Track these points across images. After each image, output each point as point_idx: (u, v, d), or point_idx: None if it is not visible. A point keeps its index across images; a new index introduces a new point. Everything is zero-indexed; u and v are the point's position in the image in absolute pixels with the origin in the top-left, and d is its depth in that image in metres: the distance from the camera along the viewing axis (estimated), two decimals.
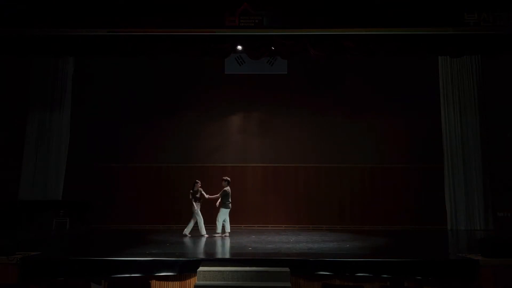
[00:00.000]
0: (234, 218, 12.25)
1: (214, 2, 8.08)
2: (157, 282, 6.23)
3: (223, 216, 9.68)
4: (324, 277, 6.24)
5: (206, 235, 9.55)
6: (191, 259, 6.50)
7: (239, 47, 8.98)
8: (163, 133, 12.87)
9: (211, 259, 6.50)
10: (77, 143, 12.69)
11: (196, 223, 9.71)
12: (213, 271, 6.16)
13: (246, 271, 6.15)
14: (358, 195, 12.50)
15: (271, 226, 12.25)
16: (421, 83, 12.72)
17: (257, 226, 12.25)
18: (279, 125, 12.90)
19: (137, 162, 12.69)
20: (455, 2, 7.97)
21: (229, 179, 10.00)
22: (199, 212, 9.70)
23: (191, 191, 9.78)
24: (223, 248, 7.99)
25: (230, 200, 9.75)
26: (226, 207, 9.68)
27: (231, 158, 12.77)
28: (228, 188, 9.80)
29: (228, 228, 9.79)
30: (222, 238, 9.44)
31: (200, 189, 9.82)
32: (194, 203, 9.67)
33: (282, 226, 12.25)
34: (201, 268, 6.21)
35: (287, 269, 6.19)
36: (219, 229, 9.67)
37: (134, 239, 9.35)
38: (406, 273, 6.28)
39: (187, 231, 9.71)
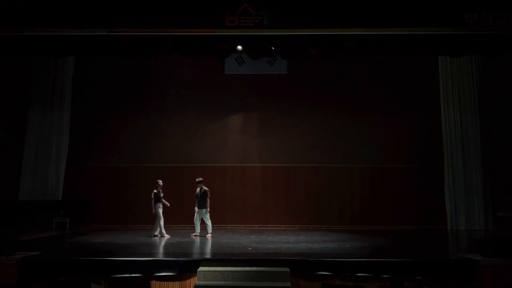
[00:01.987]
0: (234, 218, 12.36)
1: (214, 2, 8.07)
2: (157, 282, 6.22)
3: (201, 217, 9.71)
4: (324, 277, 6.24)
5: (156, 237, 9.65)
6: (191, 259, 6.50)
7: (239, 47, 8.99)
8: (163, 133, 12.88)
9: (211, 259, 6.49)
10: (77, 143, 12.71)
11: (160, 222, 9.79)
12: (213, 271, 6.15)
13: (246, 271, 6.14)
14: (358, 195, 12.51)
15: (271, 226, 12.26)
16: (421, 83, 12.73)
17: (257, 226, 12.25)
18: (279, 125, 12.90)
19: (137, 162, 12.70)
20: (455, 2, 7.96)
21: (198, 179, 9.96)
22: (161, 212, 9.74)
23: (154, 191, 9.78)
24: (223, 248, 7.98)
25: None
26: (207, 207, 9.73)
27: (231, 158, 12.78)
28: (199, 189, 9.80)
29: (198, 229, 9.81)
30: (195, 237, 9.57)
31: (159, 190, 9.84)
32: (156, 203, 9.68)
33: (282, 226, 12.25)
34: (201, 268, 6.20)
35: (287, 269, 6.19)
36: (210, 229, 9.76)
37: (134, 239, 9.34)
38: (406, 273, 6.27)
39: (163, 232, 9.72)
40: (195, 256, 6.65)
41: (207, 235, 9.67)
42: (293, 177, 12.70)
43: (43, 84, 12.71)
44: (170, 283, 6.26)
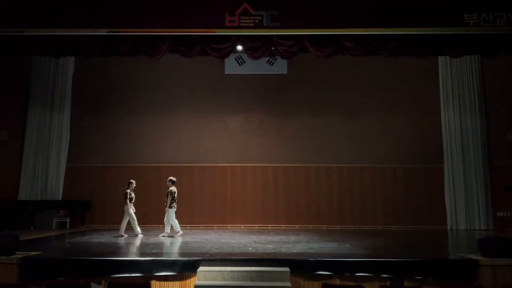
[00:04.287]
0: (234, 218, 12.37)
1: (214, 2, 8.07)
2: (157, 282, 6.21)
3: (173, 216, 9.66)
4: (324, 276, 6.24)
5: (141, 235, 9.73)
6: (191, 259, 6.49)
7: (239, 47, 8.98)
8: (162, 133, 12.89)
9: (211, 259, 6.49)
10: (77, 143, 12.72)
11: (129, 223, 9.82)
12: (213, 271, 6.15)
13: (246, 271, 6.14)
14: (358, 195, 12.51)
15: (271, 226, 12.26)
16: (421, 83, 12.74)
17: (257, 226, 12.26)
18: (279, 125, 12.91)
19: (137, 162, 12.71)
20: (455, 2, 7.95)
21: (174, 179, 9.89)
22: (132, 212, 9.73)
23: (127, 191, 9.76)
24: (223, 248, 7.98)
25: (176, 200, 9.72)
26: (173, 208, 9.64)
27: (231, 158, 12.78)
28: (173, 188, 9.73)
29: (178, 229, 9.78)
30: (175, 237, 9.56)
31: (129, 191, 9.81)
32: (128, 203, 9.67)
33: (282, 226, 12.25)
34: (201, 268, 6.20)
35: (287, 269, 6.18)
36: (177, 228, 9.71)
37: (134, 239, 9.34)
38: (406, 273, 6.27)
39: (121, 231, 9.73)
40: (195, 256, 6.64)
41: (161, 235, 9.68)
42: (293, 177, 12.71)
43: (43, 84, 12.72)
44: (170, 283, 6.26)
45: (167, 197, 9.66)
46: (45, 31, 8.09)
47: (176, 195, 9.72)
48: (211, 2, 8.08)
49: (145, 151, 12.79)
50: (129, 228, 9.89)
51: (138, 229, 9.85)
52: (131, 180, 10.04)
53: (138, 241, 9.05)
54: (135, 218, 9.83)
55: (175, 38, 8.41)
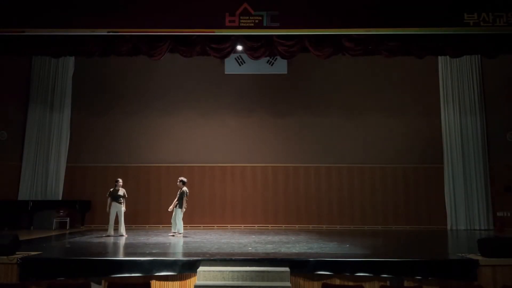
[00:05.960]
0: (234, 218, 12.37)
1: (214, 2, 8.07)
2: (157, 282, 6.21)
3: (181, 216, 9.67)
4: (324, 276, 6.24)
5: (113, 235, 9.70)
6: (191, 259, 6.49)
7: (239, 47, 8.98)
8: (162, 133, 12.90)
9: (211, 259, 6.48)
10: (77, 143, 12.73)
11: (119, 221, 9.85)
12: (213, 271, 6.14)
13: (246, 271, 6.14)
14: (358, 195, 12.52)
15: (271, 226, 12.26)
16: (421, 83, 12.74)
17: (257, 226, 12.26)
18: (279, 125, 12.91)
19: (137, 162, 12.72)
20: (455, 2, 7.96)
21: (185, 179, 9.91)
22: (108, 210, 9.72)
23: (111, 189, 9.79)
24: (223, 248, 7.98)
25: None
26: (183, 208, 9.67)
27: (231, 158, 12.79)
28: (186, 189, 9.76)
29: (174, 229, 9.78)
30: (178, 237, 9.56)
31: (121, 189, 9.84)
32: (113, 202, 9.67)
33: (282, 226, 12.26)
34: (201, 268, 6.20)
35: (287, 269, 6.18)
36: (181, 229, 9.71)
37: (134, 239, 9.34)
38: (406, 273, 6.27)
39: (121, 231, 9.77)
40: (195, 256, 6.63)
41: (169, 234, 9.70)
42: (292, 177, 12.72)
43: (43, 84, 12.73)
44: (170, 283, 6.26)
45: (181, 197, 9.62)
46: (45, 31, 8.08)
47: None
48: (211, 2, 8.07)
49: (145, 151, 12.80)
50: (128, 227, 9.89)
51: (112, 230, 9.81)
52: (118, 179, 10.04)
53: (123, 240, 9.01)
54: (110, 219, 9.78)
55: (175, 38, 8.41)
